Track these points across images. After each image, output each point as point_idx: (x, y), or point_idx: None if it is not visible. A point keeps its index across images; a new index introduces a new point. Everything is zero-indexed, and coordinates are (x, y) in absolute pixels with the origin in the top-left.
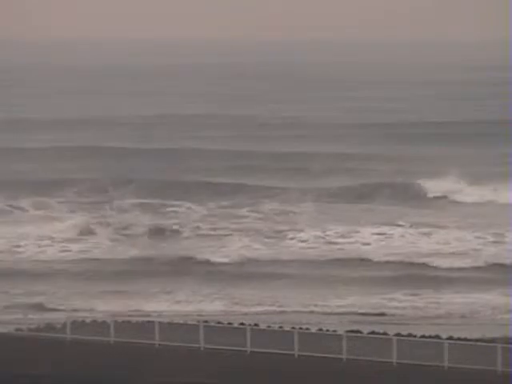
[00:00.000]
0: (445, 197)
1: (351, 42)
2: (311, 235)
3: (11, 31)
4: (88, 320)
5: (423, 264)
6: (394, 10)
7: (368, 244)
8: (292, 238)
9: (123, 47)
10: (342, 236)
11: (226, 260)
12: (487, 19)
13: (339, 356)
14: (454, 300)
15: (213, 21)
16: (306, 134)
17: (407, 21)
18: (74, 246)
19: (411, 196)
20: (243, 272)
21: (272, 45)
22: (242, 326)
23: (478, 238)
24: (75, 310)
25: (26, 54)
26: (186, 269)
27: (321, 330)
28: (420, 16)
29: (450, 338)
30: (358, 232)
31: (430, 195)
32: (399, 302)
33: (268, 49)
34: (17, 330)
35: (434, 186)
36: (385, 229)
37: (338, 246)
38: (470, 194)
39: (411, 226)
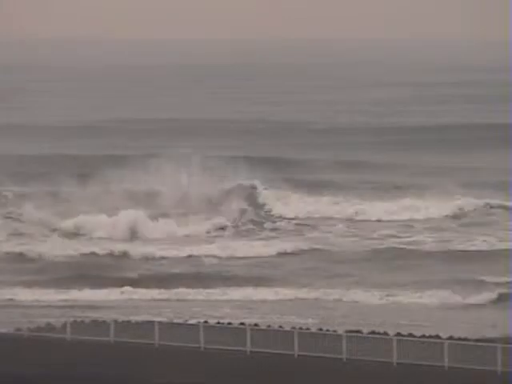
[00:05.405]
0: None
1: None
2: None
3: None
4: (88, 320)
5: None
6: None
7: None
8: None
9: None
10: None
11: None
12: (487, 19)
13: (339, 356)
14: None
15: (214, 21)
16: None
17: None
18: None
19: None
20: None
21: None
22: (242, 326)
23: None
24: None
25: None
26: None
27: (321, 329)
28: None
29: (450, 337)
30: None
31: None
32: None
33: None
34: (17, 330)
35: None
36: None
37: None
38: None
39: None
